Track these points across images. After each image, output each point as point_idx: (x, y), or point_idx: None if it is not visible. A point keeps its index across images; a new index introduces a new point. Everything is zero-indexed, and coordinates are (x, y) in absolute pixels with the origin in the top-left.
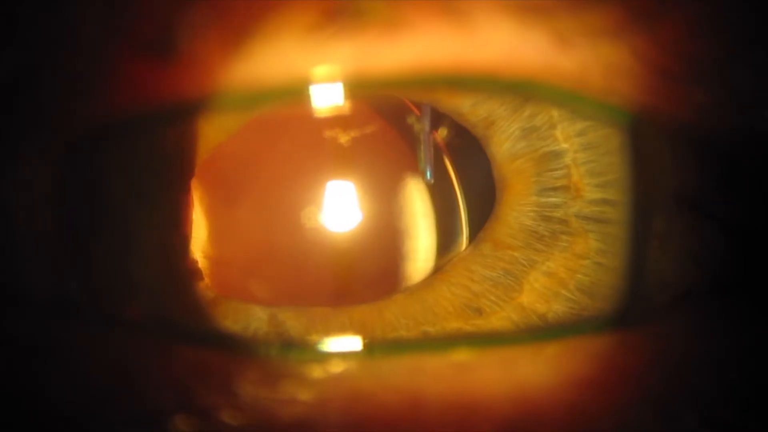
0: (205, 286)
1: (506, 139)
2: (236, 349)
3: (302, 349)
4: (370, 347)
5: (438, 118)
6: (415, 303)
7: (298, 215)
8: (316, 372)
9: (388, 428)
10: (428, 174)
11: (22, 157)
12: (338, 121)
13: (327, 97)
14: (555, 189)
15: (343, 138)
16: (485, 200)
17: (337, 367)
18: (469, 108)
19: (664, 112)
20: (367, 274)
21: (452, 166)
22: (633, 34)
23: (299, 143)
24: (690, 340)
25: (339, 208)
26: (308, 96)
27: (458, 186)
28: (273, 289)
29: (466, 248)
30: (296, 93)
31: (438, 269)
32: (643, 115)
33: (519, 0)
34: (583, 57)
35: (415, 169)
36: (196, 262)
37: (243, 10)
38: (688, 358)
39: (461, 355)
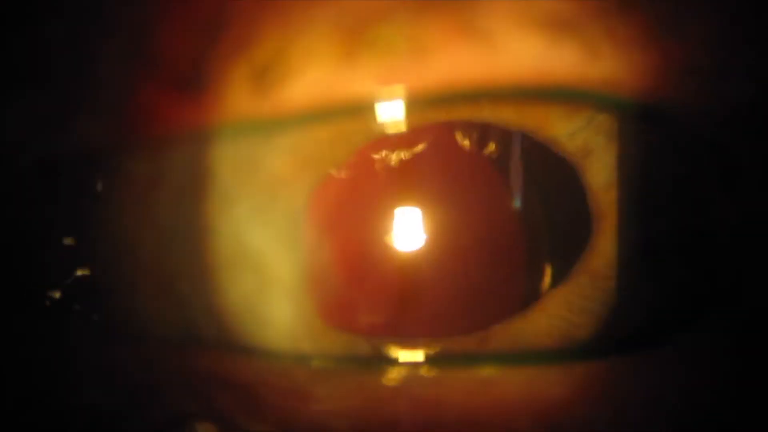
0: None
1: (603, 168)
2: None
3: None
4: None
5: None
6: (514, 334)
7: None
8: (336, 382)
9: None
10: (517, 202)
11: None
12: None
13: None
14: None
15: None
16: (572, 229)
17: (356, 377)
18: (566, 137)
19: (696, 109)
20: (464, 305)
21: (541, 194)
22: (662, 38)
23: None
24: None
25: (431, 239)
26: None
27: (546, 214)
28: (374, 319)
29: (562, 280)
30: (329, 118)
31: (534, 300)
32: (676, 114)
33: (544, 16)
34: (613, 65)
35: (506, 199)
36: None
37: (267, 44)
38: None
39: (487, 371)
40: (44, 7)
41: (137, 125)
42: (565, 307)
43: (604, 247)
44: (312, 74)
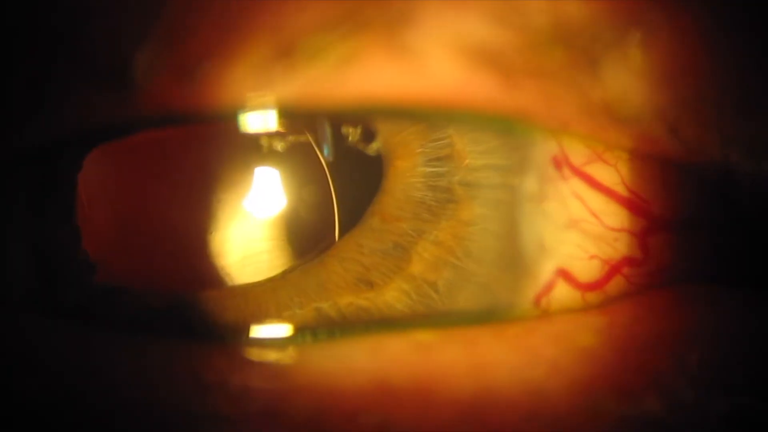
0: (100, 276)
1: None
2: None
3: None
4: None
5: None
6: (308, 280)
7: (192, 201)
8: (277, 358)
9: (354, 411)
10: (326, 151)
11: None
12: None
13: (262, 123)
14: (439, 158)
15: None
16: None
17: (298, 352)
18: None
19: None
20: (259, 255)
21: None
22: (580, 75)
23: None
24: (655, 321)
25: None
26: (245, 123)
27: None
28: (167, 275)
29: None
30: (237, 120)
31: (330, 246)
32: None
33: (471, 42)
34: (530, 95)
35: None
36: (87, 253)
37: (198, 45)
38: (651, 339)
39: (423, 336)
40: None
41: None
42: (356, 250)
43: (395, 189)
44: (237, 75)
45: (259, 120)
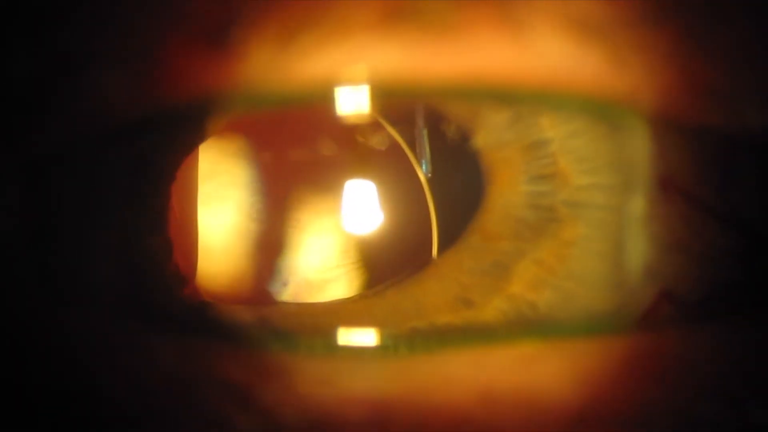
0: (190, 291)
1: (493, 129)
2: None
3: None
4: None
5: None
6: (404, 299)
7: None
8: (377, 367)
9: (456, 422)
10: (425, 167)
11: None
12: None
13: (356, 100)
14: (543, 177)
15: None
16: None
17: (401, 362)
18: None
19: (706, 126)
20: (353, 271)
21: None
22: (685, 53)
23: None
24: (756, 335)
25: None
26: (339, 104)
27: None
28: (258, 290)
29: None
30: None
31: (428, 264)
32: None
33: (579, 16)
34: (637, 72)
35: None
36: (179, 267)
37: (301, 7)
38: (755, 351)
39: (526, 348)
40: None
41: (157, 81)
42: (455, 268)
43: (496, 207)
44: (334, 45)
45: (354, 99)
